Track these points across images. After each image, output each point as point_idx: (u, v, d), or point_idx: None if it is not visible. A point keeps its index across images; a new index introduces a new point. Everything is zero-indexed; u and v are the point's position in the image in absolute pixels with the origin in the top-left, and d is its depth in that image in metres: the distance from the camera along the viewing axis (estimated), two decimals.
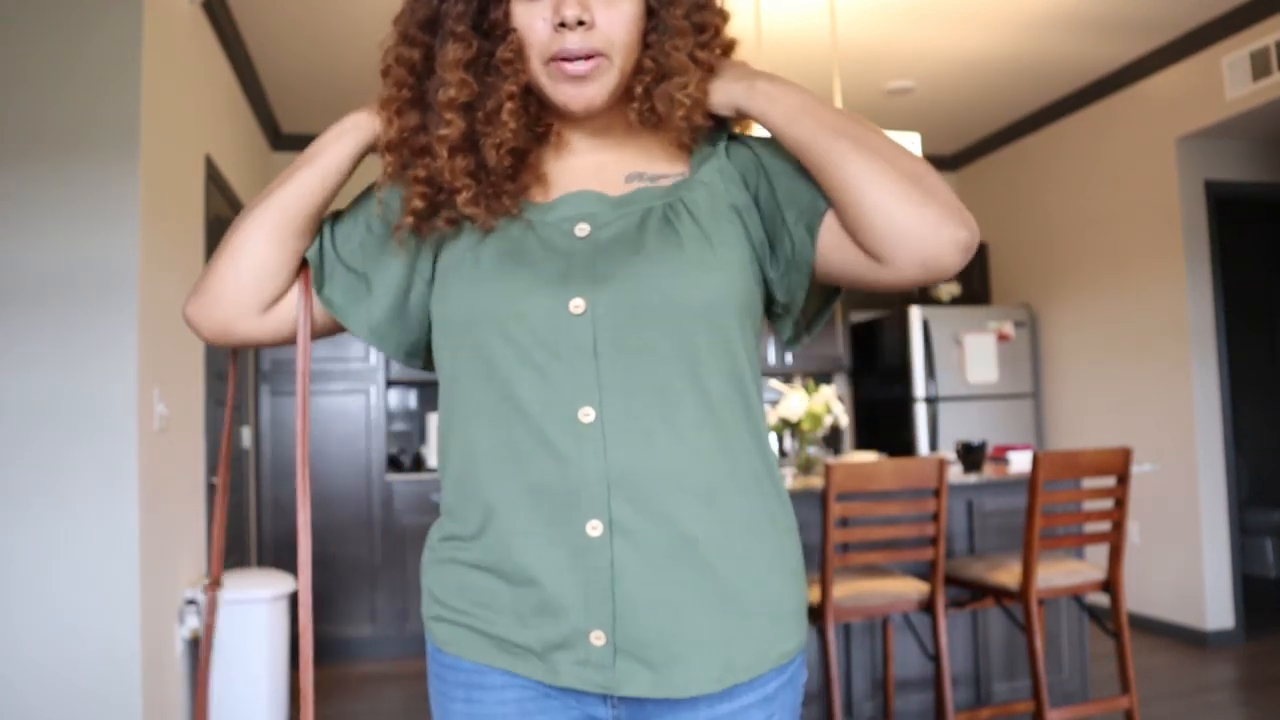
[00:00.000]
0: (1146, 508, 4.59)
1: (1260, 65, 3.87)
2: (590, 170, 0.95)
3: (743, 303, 0.91)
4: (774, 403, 3.70)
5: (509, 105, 0.88)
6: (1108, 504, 3.96)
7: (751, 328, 0.94)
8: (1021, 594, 2.70)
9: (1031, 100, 5.10)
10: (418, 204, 0.90)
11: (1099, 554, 4.59)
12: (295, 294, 0.97)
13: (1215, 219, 4.46)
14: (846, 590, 2.64)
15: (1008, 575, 2.78)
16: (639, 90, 0.92)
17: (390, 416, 5.27)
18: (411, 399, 5.36)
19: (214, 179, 3.62)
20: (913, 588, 2.69)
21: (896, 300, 5.62)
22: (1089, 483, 4.18)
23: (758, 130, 0.99)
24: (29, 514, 2.45)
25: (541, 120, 0.93)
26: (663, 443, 0.86)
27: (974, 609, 3.15)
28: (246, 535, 4.30)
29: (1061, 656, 3.37)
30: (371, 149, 0.94)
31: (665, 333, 0.87)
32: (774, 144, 0.95)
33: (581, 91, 0.88)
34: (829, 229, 0.89)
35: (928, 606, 2.69)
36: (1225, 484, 4.34)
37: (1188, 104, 4.31)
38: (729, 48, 0.97)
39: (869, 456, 3.70)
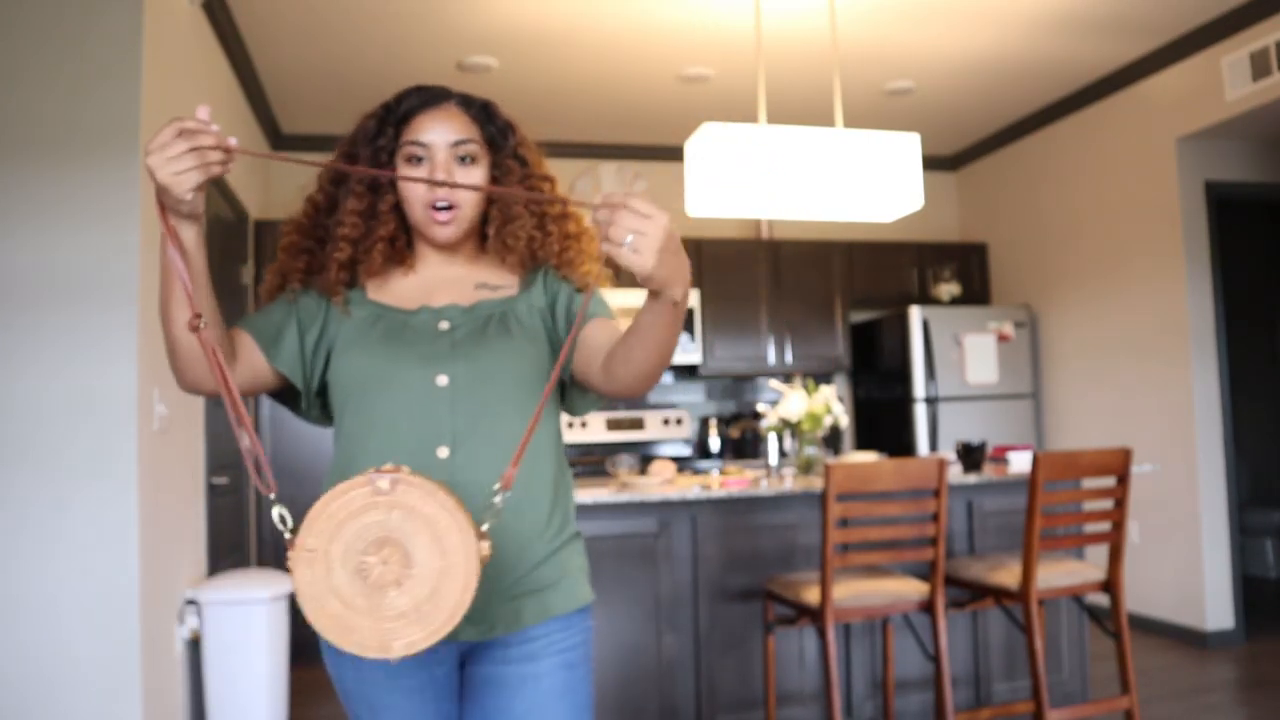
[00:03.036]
0: (1146, 508, 4.59)
1: (1260, 65, 3.87)
2: (450, 280, 1.37)
3: (546, 373, 1.33)
4: (774, 403, 3.70)
5: (380, 245, 1.33)
6: (1107, 504, 3.96)
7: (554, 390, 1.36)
8: (1021, 594, 2.70)
9: (1031, 100, 5.10)
10: (295, 284, 1.35)
11: (1099, 554, 4.59)
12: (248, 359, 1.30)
13: (1215, 219, 4.46)
14: (846, 590, 2.64)
15: (1008, 575, 2.78)
16: (492, 231, 1.37)
17: None
18: None
19: (214, 179, 3.61)
20: (913, 588, 2.69)
21: (896, 300, 5.62)
22: (1089, 483, 4.18)
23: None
24: (28, 514, 2.45)
25: (404, 253, 1.38)
26: (493, 469, 1.23)
27: (974, 609, 3.15)
28: (246, 535, 4.30)
29: (1061, 656, 3.37)
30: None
31: (500, 396, 1.28)
32: (568, 284, 1.39)
33: (444, 230, 1.32)
34: (586, 335, 1.30)
35: (928, 607, 2.69)
36: (1225, 484, 4.34)
37: (1188, 104, 4.31)
38: (558, 202, 1.37)
39: (869, 456, 3.69)
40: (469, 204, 1.33)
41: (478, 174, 1.33)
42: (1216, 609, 4.31)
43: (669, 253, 1.00)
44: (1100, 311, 4.93)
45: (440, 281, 1.37)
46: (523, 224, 1.36)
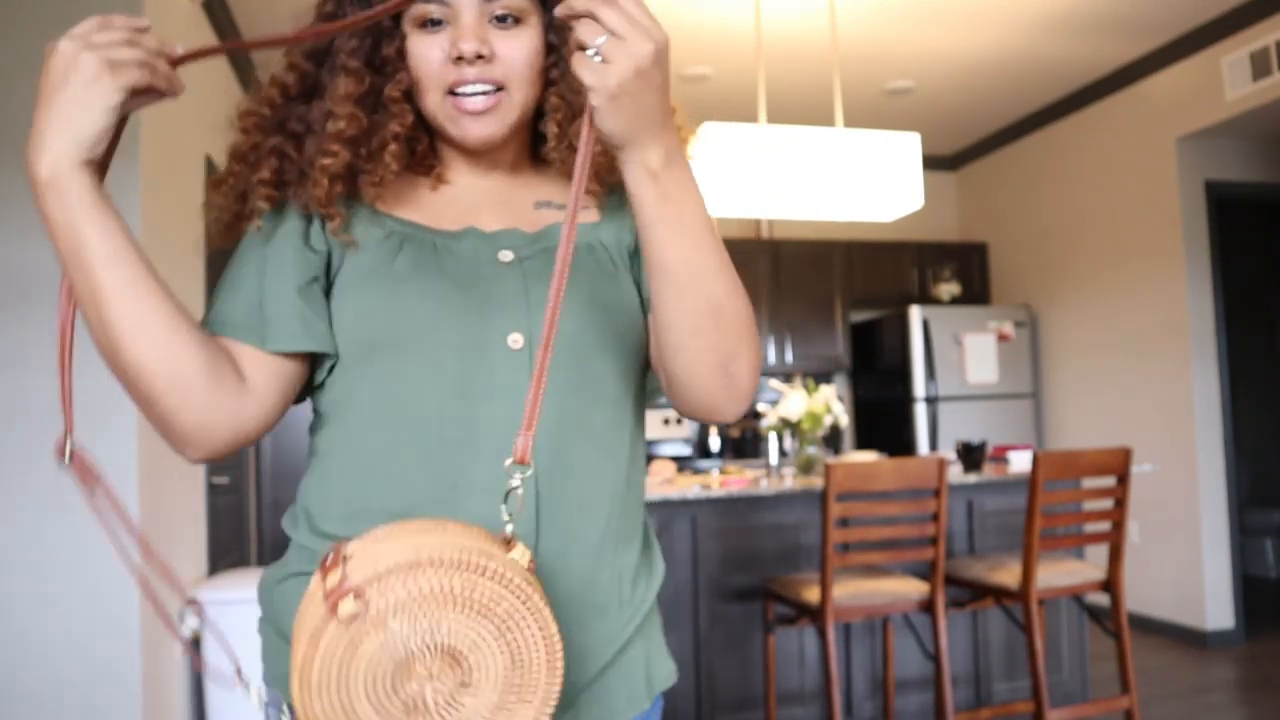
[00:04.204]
0: (1146, 508, 4.59)
1: (1260, 65, 3.87)
2: (496, 197, 0.93)
3: (645, 343, 0.92)
4: (774, 403, 3.70)
5: (392, 146, 0.87)
6: (1107, 504, 3.96)
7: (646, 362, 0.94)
8: (1021, 594, 2.70)
9: (1031, 100, 5.10)
10: (262, 205, 0.87)
11: (1099, 554, 4.59)
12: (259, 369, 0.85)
13: (1215, 219, 4.46)
14: (846, 590, 2.64)
15: (1008, 575, 2.78)
16: (553, 129, 0.90)
17: None
18: None
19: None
20: (913, 588, 2.69)
21: (896, 300, 5.62)
22: (1089, 483, 4.18)
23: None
24: (28, 514, 2.45)
25: (427, 160, 0.93)
26: (583, 484, 0.86)
27: (974, 609, 3.16)
28: (246, 535, 4.30)
29: (1061, 656, 3.38)
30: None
31: (596, 367, 0.87)
32: None
33: (481, 126, 0.87)
34: None
35: (928, 606, 2.69)
36: (1225, 484, 4.34)
37: (1188, 104, 4.31)
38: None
39: (869, 456, 3.70)
40: (517, 82, 0.86)
41: (525, 40, 0.86)
42: (1216, 609, 4.31)
43: (643, 89, 0.70)
44: (1100, 311, 4.93)
45: (482, 198, 0.93)
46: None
